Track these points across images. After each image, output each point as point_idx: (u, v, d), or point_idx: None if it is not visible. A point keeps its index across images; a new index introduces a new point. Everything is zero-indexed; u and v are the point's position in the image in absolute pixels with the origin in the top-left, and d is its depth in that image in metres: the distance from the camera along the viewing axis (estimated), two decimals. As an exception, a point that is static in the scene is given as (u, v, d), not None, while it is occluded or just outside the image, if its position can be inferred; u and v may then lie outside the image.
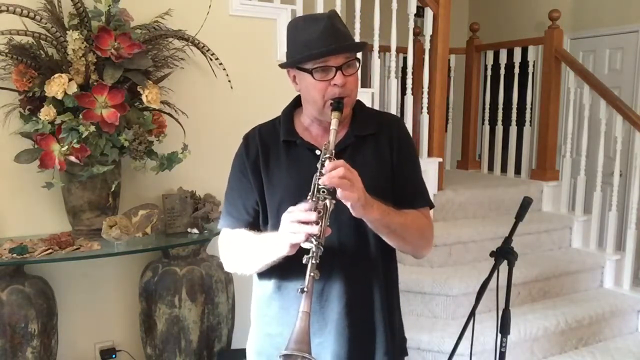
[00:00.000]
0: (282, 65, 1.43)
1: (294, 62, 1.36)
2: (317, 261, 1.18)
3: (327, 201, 1.21)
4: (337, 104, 1.33)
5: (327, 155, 1.26)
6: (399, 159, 1.44)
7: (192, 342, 2.45)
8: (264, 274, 1.46)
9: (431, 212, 1.53)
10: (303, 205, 1.22)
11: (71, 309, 2.50)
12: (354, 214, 1.25)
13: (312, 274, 1.18)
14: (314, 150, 1.39)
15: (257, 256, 1.37)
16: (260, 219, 1.45)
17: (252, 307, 1.56)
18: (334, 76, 1.32)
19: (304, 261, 1.18)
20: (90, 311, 2.57)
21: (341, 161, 1.23)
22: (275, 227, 1.31)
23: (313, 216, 1.19)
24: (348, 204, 1.22)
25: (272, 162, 1.42)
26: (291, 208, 1.24)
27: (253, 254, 1.38)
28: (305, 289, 1.17)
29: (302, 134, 1.44)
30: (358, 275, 1.41)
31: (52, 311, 2.32)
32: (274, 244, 1.28)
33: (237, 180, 1.47)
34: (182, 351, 2.45)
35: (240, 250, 1.43)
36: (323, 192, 1.21)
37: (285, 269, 1.37)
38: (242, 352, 1.65)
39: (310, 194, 1.23)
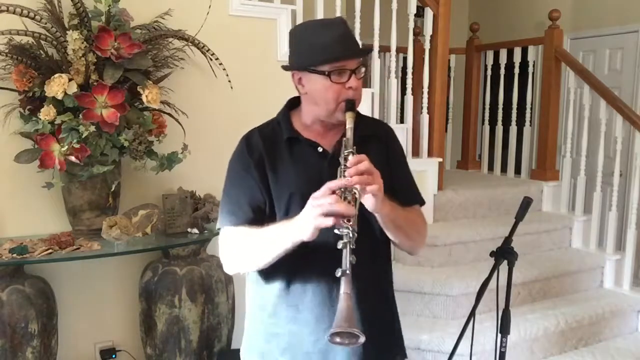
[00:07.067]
0: (287, 68, 1.46)
1: (311, 63, 1.39)
2: (353, 246, 1.21)
3: (356, 191, 1.25)
4: (352, 105, 1.40)
5: (350, 150, 1.32)
6: (394, 159, 1.54)
7: (192, 342, 2.46)
8: (269, 276, 1.45)
9: (431, 212, 1.56)
10: (330, 188, 1.24)
11: (71, 309, 2.50)
12: (370, 208, 1.29)
13: (350, 258, 1.21)
14: (316, 147, 1.44)
15: (268, 246, 1.34)
16: (264, 217, 1.43)
17: (250, 312, 1.55)
18: (349, 79, 1.38)
19: (339, 246, 1.21)
20: (90, 311, 2.57)
21: (363, 155, 1.28)
22: None
23: (352, 210, 1.22)
24: (368, 202, 1.27)
25: (277, 161, 1.44)
26: (316, 194, 1.24)
27: (263, 244, 1.35)
28: (347, 271, 1.20)
29: (302, 132, 1.47)
30: (366, 273, 1.41)
31: (52, 311, 2.32)
32: (294, 228, 1.26)
33: (240, 178, 1.45)
34: (182, 351, 2.45)
35: (247, 244, 1.40)
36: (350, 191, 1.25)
37: (293, 268, 1.39)
38: (242, 352, 1.64)
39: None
